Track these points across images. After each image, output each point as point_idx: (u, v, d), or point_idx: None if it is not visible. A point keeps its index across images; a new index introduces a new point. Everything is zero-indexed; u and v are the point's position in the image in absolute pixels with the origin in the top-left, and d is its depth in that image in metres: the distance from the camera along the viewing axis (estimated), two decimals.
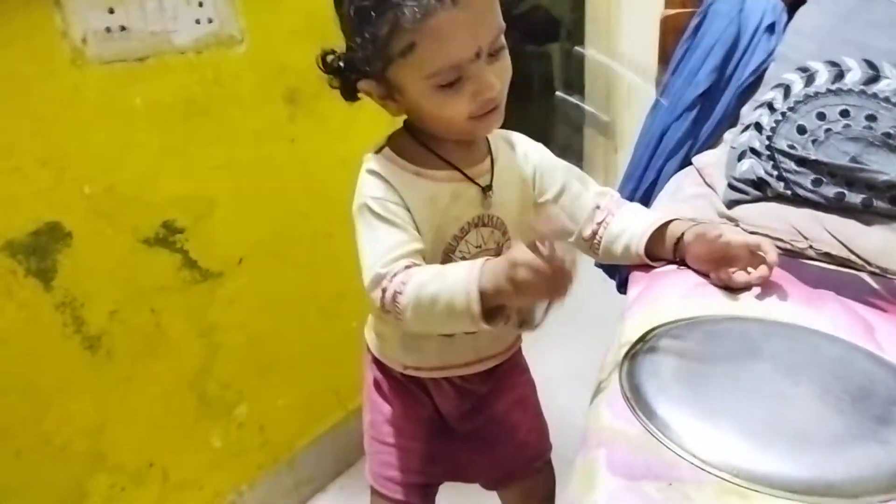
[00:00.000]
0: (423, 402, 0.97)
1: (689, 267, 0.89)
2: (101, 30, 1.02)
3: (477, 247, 0.86)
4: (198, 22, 1.14)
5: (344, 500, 1.53)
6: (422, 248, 0.80)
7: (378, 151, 0.84)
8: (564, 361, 1.54)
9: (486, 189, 0.84)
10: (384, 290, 0.75)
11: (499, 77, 0.76)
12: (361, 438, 1.59)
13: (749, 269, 0.84)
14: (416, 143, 0.83)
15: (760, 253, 0.83)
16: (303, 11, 1.30)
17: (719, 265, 0.85)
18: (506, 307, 0.72)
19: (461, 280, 0.71)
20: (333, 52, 0.81)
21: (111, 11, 1.02)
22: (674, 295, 0.86)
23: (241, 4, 1.19)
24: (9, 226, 0.96)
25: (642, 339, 0.79)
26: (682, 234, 0.87)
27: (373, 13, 0.70)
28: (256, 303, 1.31)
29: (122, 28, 1.04)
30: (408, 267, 0.76)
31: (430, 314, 0.73)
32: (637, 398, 0.68)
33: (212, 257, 1.22)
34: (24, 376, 1.01)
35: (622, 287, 1.35)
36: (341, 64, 0.80)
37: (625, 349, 0.78)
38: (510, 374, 1.00)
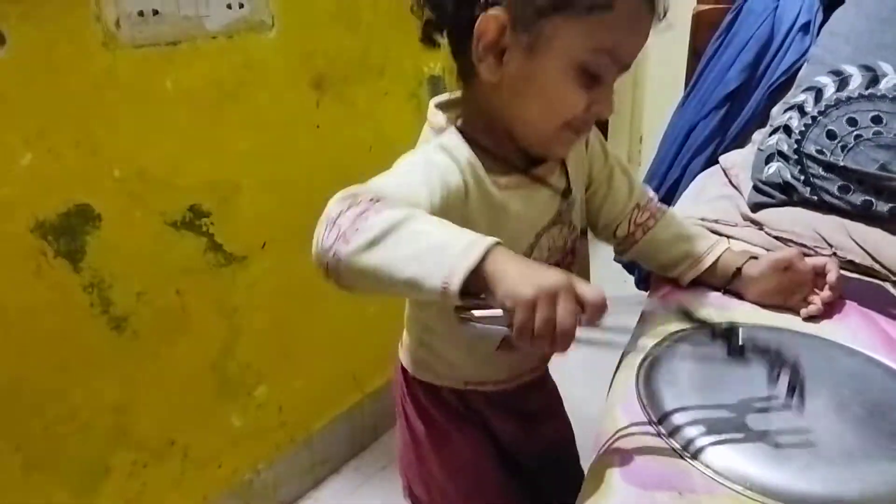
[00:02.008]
0: (482, 430, 0.88)
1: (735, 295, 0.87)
2: (134, 13, 1.02)
3: (549, 249, 0.79)
4: (229, 7, 1.14)
5: (358, 481, 1.56)
6: None
7: (452, 127, 0.71)
8: (581, 353, 1.54)
9: (566, 194, 0.78)
10: (353, 204, 0.58)
11: None
12: (376, 421, 1.63)
13: (815, 291, 0.83)
14: (474, 144, 0.71)
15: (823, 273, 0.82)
16: None
17: (786, 296, 0.83)
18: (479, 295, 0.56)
19: (469, 234, 0.57)
20: None
21: None
22: (697, 300, 0.87)
23: None
24: (40, 207, 0.98)
25: (661, 342, 0.79)
26: (740, 268, 0.85)
27: None
28: (278, 287, 1.33)
29: (155, 12, 1.05)
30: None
31: (396, 248, 0.56)
32: (653, 405, 0.69)
33: (236, 241, 1.24)
34: (52, 354, 1.03)
35: (641, 283, 1.35)
36: None
37: (643, 352, 0.78)
38: (549, 385, 0.96)
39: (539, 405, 0.92)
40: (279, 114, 1.26)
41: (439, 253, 0.55)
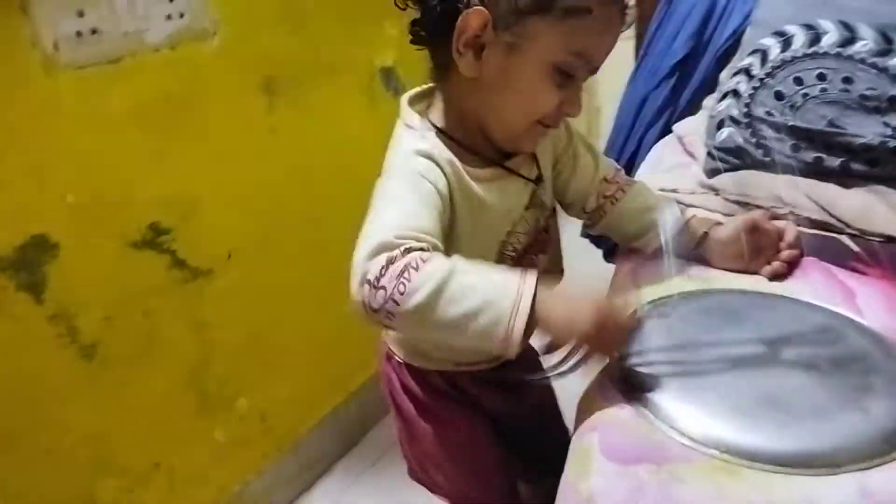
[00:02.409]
0: (470, 404, 0.91)
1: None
2: (71, 35, 1.00)
3: (525, 233, 0.81)
4: (169, 17, 1.12)
5: (349, 480, 1.56)
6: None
7: (426, 124, 0.74)
8: None
9: (538, 181, 0.80)
10: (389, 262, 0.61)
11: None
12: (363, 418, 1.63)
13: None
14: (448, 138, 0.74)
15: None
16: (277, 0, 1.29)
17: (751, 258, 0.85)
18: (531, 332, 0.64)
19: (514, 281, 0.62)
20: None
21: (81, 15, 1.01)
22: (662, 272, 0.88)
23: None
24: None
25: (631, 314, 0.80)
26: (707, 232, 0.87)
27: None
28: (249, 296, 1.32)
29: (94, 31, 1.03)
30: (429, 248, 0.64)
31: (450, 307, 0.60)
32: (626, 379, 0.70)
33: (200, 255, 1.22)
34: (22, 390, 1.01)
35: (608, 256, 1.37)
36: None
37: None
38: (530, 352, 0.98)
39: (521, 374, 0.94)
40: (232, 121, 1.25)
41: (492, 313, 0.61)
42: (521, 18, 0.65)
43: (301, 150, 1.38)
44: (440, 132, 0.74)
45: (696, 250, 0.88)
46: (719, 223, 0.88)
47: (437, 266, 0.61)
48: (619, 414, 0.66)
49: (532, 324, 0.62)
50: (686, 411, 0.65)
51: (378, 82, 1.55)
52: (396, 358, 0.91)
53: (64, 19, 0.99)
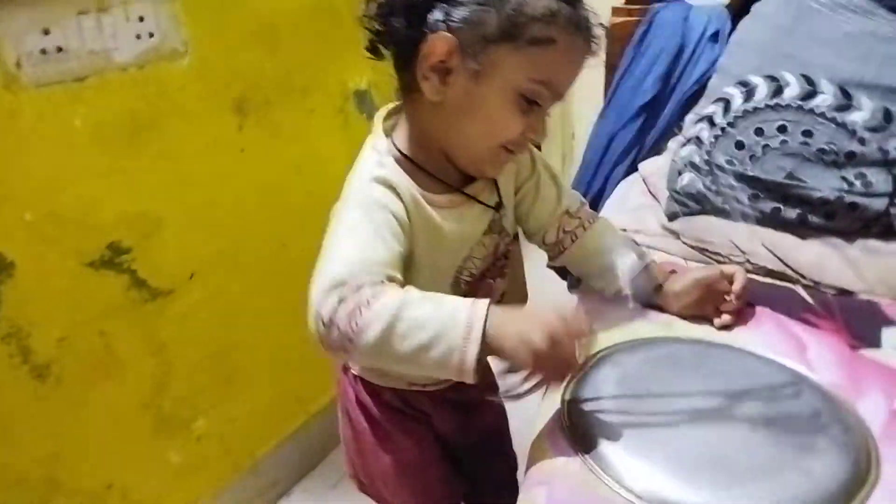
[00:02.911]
0: (422, 424, 0.92)
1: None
2: (35, 52, 0.99)
3: (481, 258, 0.81)
4: (138, 37, 1.11)
5: (310, 501, 1.54)
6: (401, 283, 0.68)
7: (389, 147, 0.74)
8: None
9: (498, 208, 0.80)
10: (340, 301, 0.61)
11: None
12: (324, 440, 1.62)
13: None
14: (411, 164, 0.74)
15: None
16: (250, 18, 1.28)
17: (702, 307, 0.86)
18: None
19: (463, 310, 0.62)
20: None
21: (46, 33, 0.99)
22: (618, 316, 0.88)
23: (183, 16, 1.17)
24: None
25: (583, 365, 0.81)
26: (661, 285, 0.88)
27: None
28: (211, 316, 1.31)
29: (59, 49, 1.01)
30: (382, 282, 0.64)
31: (403, 342, 0.61)
32: (577, 432, 0.70)
33: (161, 275, 1.21)
34: None
35: (572, 288, 1.37)
36: (417, 0, 0.67)
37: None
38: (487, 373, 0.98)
39: (475, 396, 0.93)
40: (200, 141, 1.24)
41: (444, 345, 0.61)
42: (487, 46, 0.66)
43: (271, 171, 1.37)
44: (402, 156, 0.74)
45: (652, 299, 0.89)
46: (674, 272, 0.89)
47: (387, 302, 0.61)
48: (567, 467, 0.67)
49: (486, 350, 0.61)
50: (632, 467, 0.65)
51: (352, 104, 1.55)
52: (352, 371, 0.91)
53: (28, 37, 0.97)
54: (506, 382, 0.67)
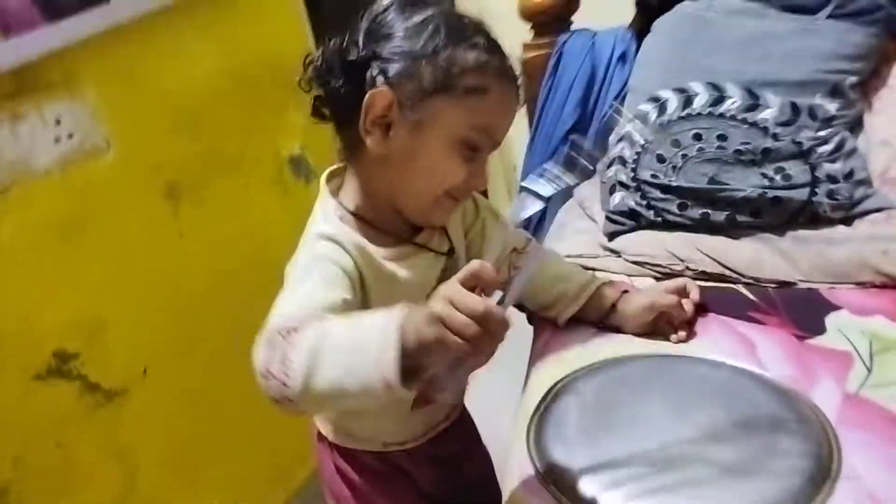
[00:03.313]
0: (406, 485, 0.90)
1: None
2: None
3: None
4: (57, 140, 1.10)
5: None
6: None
7: (335, 207, 0.75)
8: (486, 390, 1.54)
9: (451, 253, 0.81)
10: (271, 347, 0.59)
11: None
12: None
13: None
14: (359, 219, 0.75)
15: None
16: (168, 104, 1.28)
17: (655, 324, 0.88)
18: (422, 369, 0.57)
19: (377, 322, 0.57)
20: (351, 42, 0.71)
21: None
22: (575, 342, 0.90)
23: (101, 112, 1.16)
24: None
25: (546, 396, 0.81)
26: (615, 304, 0.89)
27: (467, 37, 0.68)
28: (170, 409, 1.27)
29: None
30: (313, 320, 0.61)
31: (329, 372, 0.57)
32: (544, 466, 0.70)
33: (113, 375, 1.17)
34: None
35: (531, 320, 1.38)
36: (349, 63, 0.70)
37: (531, 409, 0.80)
38: (465, 425, 0.96)
39: (457, 448, 0.93)
40: (135, 233, 1.22)
41: (363, 357, 0.56)
42: (425, 97, 0.68)
43: (213, 251, 1.36)
44: (349, 213, 0.75)
45: (606, 320, 0.90)
46: (626, 291, 0.91)
47: (307, 336, 0.58)
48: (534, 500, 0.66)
49: (409, 351, 0.55)
50: (602, 495, 0.65)
51: (288, 172, 1.55)
52: (328, 438, 0.89)
53: None
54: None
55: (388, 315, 0.57)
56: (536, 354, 0.94)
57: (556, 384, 0.82)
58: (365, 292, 0.72)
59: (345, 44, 0.71)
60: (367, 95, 0.68)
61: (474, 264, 0.57)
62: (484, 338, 0.53)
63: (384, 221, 0.76)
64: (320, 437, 0.91)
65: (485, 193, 1.01)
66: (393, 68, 0.68)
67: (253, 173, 1.48)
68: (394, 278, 0.74)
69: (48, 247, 1.08)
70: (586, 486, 0.66)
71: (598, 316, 0.91)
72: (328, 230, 0.72)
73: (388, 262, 0.74)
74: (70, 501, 1.11)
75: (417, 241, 0.78)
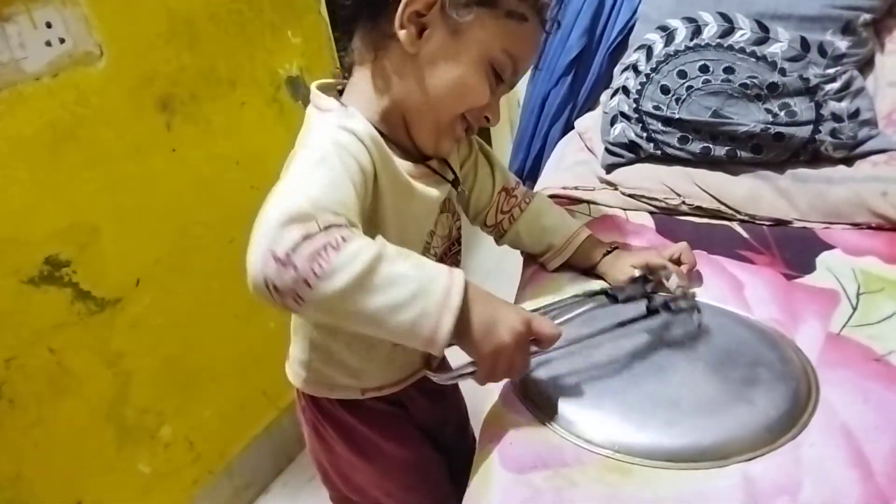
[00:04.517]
0: (402, 419, 0.87)
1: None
2: None
3: (442, 236, 0.80)
4: (49, 44, 1.07)
5: (288, 496, 1.54)
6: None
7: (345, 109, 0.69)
8: None
9: (456, 183, 0.79)
10: (305, 237, 0.53)
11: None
12: (298, 434, 1.60)
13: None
14: (388, 126, 0.71)
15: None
16: (163, 14, 1.24)
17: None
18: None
19: (443, 275, 0.58)
20: None
21: None
22: (563, 274, 0.89)
23: (93, 18, 1.13)
24: None
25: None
26: (601, 259, 0.87)
27: None
28: (163, 321, 1.28)
29: None
30: (351, 225, 0.57)
31: (374, 297, 0.54)
32: (526, 387, 0.71)
33: (106, 284, 1.18)
34: None
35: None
36: None
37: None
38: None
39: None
40: (127, 144, 1.20)
41: (419, 305, 0.56)
42: (470, 4, 0.65)
43: (206, 168, 1.35)
44: (364, 117, 0.68)
45: (594, 271, 0.89)
46: (617, 247, 0.88)
47: (362, 249, 0.54)
48: (518, 422, 0.68)
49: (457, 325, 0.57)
50: (581, 414, 0.66)
51: (285, 92, 1.53)
52: (305, 395, 0.85)
53: None
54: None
55: (452, 275, 0.58)
56: (524, 285, 0.94)
57: (536, 310, 0.82)
58: (377, 196, 0.67)
59: None
60: None
61: (556, 333, 0.64)
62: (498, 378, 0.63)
63: (397, 137, 0.72)
64: (299, 395, 0.87)
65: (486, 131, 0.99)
66: None
67: (248, 92, 1.45)
68: (409, 188, 0.71)
69: (40, 152, 1.07)
70: (562, 405, 0.67)
71: (585, 267, 0.90)
72: (349, 123, 0.65)
73: (405, 176, 0.71)
74: (62, 404, 1.13)
75: (430, 163, 0.75)
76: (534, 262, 0.95)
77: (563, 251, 0.90)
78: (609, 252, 0.87)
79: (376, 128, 0.68)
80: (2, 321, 1.04)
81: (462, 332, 0.59)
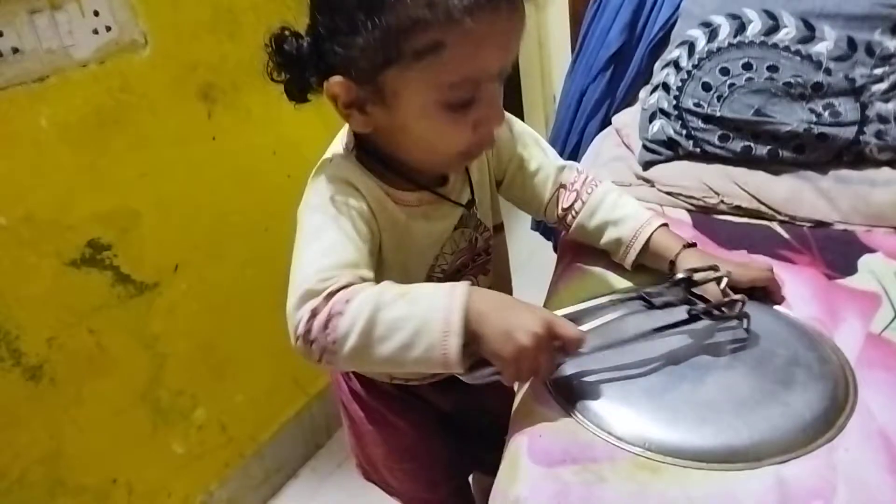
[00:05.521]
0: (420, 403, 0.90)
1: None
2: None
3: (452, 253, 0.77)
4: (96, 32, 1.10)
5: (317, 481, 1.56)
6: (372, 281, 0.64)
7: (352, 143, 0.70)
8: None
9: (470, 205, 0.75)
10: (314, 312, 0.59)
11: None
12: (327, 420, 1.63)
13: None
14: (378, 161, 0.70)
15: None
16: (207, 4, 1.27)
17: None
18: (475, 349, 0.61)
19: (440, 303, 0.59)
20: (296, 34, 0.65)
21: (0, 34, 0.98)
22: (596, 269, 0.89)
23: (140, 7, 1.15)
24: None
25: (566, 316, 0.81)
26: (673, 261, 0.79)
27: None
28: (199, 306, 1.31)
29: (15, 50, 1.00)
30: (351, 284, 0.61)
31: (383, 345, 0.59)
32: (556, 381, 0.71)
33: (145, 269, 1.21)
34: None
35: (555, 246, 1.38)
36: (305, 51, 0.63)
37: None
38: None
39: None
40: (169, 132, 1.23)
41: (425, 340, 0.59)
42: (377, 76, 0.60)
43: (245, 157, 1.37)
44: (365, 154, 0.70)
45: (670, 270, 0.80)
46: (692, 245, 0.80)
47: (360, 307, 0.58)
48: (548, 416, 0.67)
49: (469, 337, 0.59)
50: (613, 410, 0.66)
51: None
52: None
53: None
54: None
55: (449, 298, 0.59)
56: (556, 280, 0.94)
57: (570, 314, 0.82)
58: (378, 238, 0.69)
59: (294, 34, 0.65)
60: (324, 86, 0.63)
61: (579, 336, 0.62)
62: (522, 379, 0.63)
63: (401, 171, 0.71)
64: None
65: (518, 95, 0.94)
66: (338, 52, 0.60)
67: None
68: (407, 228, 0.71)
69: (84, 137, 1.10)
70: (593, 401, 0.67)
71: (660, 266, 0.81)
72: (341, 174, 0.67)
73: (403, 208, 0.70)
74: (100, 384, 1.16)
75: (439, 191, 0.73)
76: (567, 255, 0.94)
77: (632, 245, 0.81)
78: (686, 248, 0.79)
79: (376, 169, 0.69)
80: (44, 301, 1.07)
81: (479, 343, 0.60)
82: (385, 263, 0.71)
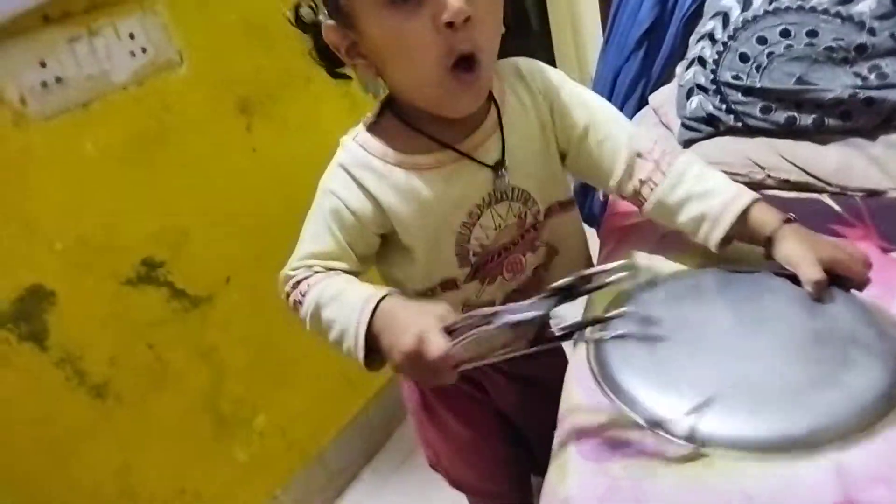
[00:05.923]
0: (479, 402, 0.91)
1: None
2: (36, 86, 1.02)
3: (495, 228, 0.75)
4: (133, 54, 1.13)
5: (379, 482, 1.58)
6: (349, 269, 0.75)
7: (361, 131, 0.76)
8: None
9: (497, 167, 0.72)
10: (287, 294, 0.78)
11: (475, 6, 0.60)
12: (385, 421, 1.65)
13: None
14: (400, 122, 0.72)
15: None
16: (238, 20, 1.29)
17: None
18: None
19: (356, 312, 0.68)
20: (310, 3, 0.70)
21: (43, 65, 1.02)
22: (640, 253, 0.87)
23: (172, 27, 1.18)
24: None
25: (609, 305, 0.80)
26: (771, 238, 0.71)
27: None
28: (253, 316, 1.34)
29: (58, 79, 1.04)
30: (317, 272, 0.75)
31: (324, 334, 0.74)
32: (604, 374, 0.70)
33: (198, 283, 1.24)
34: (40, 437, 1.05)
35: (598, 230, 1.35)
36: (313, 8, 0.69)
37: (591, 318, 0.78)
38: (553, 355, 0.86)
39: (535, 371, 0.88)
40: (211, 147, 1.26)
41: (344, 344, 0.71)
42: (337, 2, 0.65)
43: (286, 166, 1.39)
44: (379, 123, 0.75)
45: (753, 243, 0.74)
46: (792, 219, 0.72)
47: (310, 300, 0.73)
48: (596, 411, 0.66)
49: (376, 341, 0.67)
50: (662, 403, 0.64)
51: (355, 85, 1.54)
52: None
53: (27, 72, 1.00)
54: None
55: (361, 312, 0.67)
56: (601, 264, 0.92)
57: (619, 294, 0.80)
58: (384, 215, 0.73)
59: None
60: (323, 34, 0.69)
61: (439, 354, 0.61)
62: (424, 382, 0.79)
63: (425, 127, 0.71)
64: None
65: None
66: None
67: (321, 88, 1.47)
68: (420, 194, 0.71)
69: (130, 160, 1.13)
70: (645, 395, 0.65)
71: (755, 242, 0.73)
72: (343, 158, 0.75)
73: (417, 173, 0.71)
74: (163, 397, 1.20)
75: (462, 147, 0.71)
76: (609, 243, 0.92)
77: (720, 220, 0.71)
78: (786, 223, 0.71)
79: (403, 119, 0.73)
80: (104, 322, 1.11)
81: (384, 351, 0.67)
82: (409, 234, 0.74)
